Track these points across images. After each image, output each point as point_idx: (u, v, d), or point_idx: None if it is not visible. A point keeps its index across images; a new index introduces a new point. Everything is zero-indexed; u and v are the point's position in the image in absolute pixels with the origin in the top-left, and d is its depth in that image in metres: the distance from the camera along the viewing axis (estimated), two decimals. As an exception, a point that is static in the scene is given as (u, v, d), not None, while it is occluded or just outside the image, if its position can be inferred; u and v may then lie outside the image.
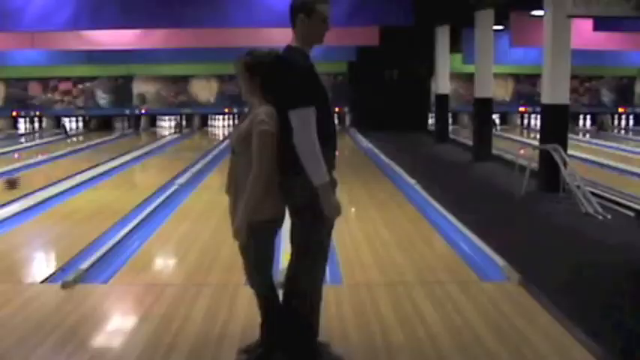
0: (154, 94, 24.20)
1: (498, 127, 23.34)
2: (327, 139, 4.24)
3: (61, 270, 6.65)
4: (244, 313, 5.39)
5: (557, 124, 11.01)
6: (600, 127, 24.16)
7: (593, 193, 9.69)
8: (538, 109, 14.55)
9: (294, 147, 4.09)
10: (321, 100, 4.20)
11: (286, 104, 4.11)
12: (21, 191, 10.97)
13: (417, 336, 4.88)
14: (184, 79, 24.21)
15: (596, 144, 18.88)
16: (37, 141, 20.99)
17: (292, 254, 4.49)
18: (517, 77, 24.64)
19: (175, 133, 22.99)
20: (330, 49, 20.31)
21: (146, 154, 16.95)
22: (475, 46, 15.53)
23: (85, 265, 6.59)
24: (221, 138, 21.38)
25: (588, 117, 25.45)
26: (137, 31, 14.98)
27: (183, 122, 24.42)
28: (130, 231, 8.13)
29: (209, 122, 24.72)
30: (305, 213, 4.27)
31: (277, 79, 4.23)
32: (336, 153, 4.40)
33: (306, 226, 4.33)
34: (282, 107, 4.14)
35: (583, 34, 15.55)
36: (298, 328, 4.42)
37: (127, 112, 24.08)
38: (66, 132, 22.74)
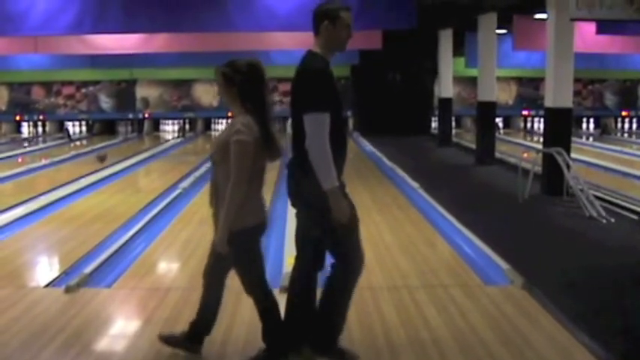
0: (157, 98, 24.22)
1: (501, 131, 23.35)
2: (340, 145, 4.31)
3: (65, 274, 6.66)
4: (247, 317, 5.38)
5: (561, 128, 11.00)
6: (604, 131, 24.13)
7: (596, 197, 9.68)
8: (541, 112, 14.55)
9: (302, 150, 4.17)
10: (336, 107, 4.25)
11: (301, 108, 4.17)
12: (24, 195, 10.98)
13: (421, 339, 4.88)
14: (187, 83, 24.23)
15: (600, 147, 18.86)
16: (41, 145, 21.01)
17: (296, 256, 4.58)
18: (520, 80, 24.62)
19: (179, 137, 23.00)
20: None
21: (149, 158, 16.97)
22: (478, 49, 15.53)
23: (88, 269, 6.60)
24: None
25: (592, 120, 25.43)
26: (140, 36, 14.99)
27: (187, 126, 24.44)
28: (134, 235, 8.14)
29: (212, 126, 24.73)
30: (310, 214, 4.38)
31: (294, 82, 4.34)
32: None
33: (307, 228, 4.43)
34: (298, 111, 4.22)
35: (586, 37, 15.55)
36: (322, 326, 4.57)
37: (131, 116, 24.10)
38: (69, 136, 22.75)
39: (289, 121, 4.70)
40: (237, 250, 4.27)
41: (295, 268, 4.64)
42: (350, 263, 4.49)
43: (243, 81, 4.27)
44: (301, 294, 4.61)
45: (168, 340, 4.65)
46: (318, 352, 4.53)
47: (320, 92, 4.20)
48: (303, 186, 4.33)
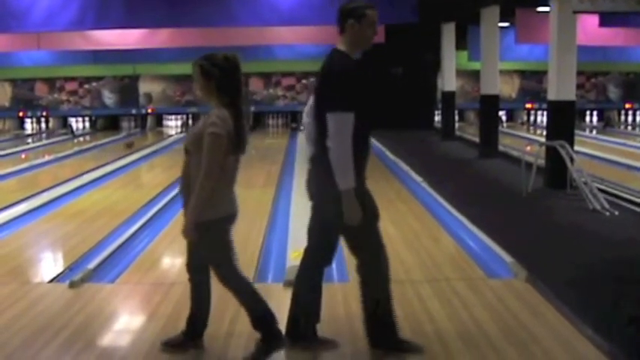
0: (160, 94, 24.23)
1: (505, 124, 23.33)
2: (364, 144, 4.34)
3: (69, 269, 6.67)
4: (251, 311, 5.40)
5: (564, 121, 10.99)
6: (607, 123, 24.10)
7: (600, 190, 9.67)
8: (544, 105, 14.54)
9: (323, 146, 4.21)
10: (362, 105, 4.25)
11: (325, 107, 4.18)
12: (28, 192, 11.00)
13: (424, 332, 4.88)
14: (190, 79, 24.01)
15: (603, 140, 18.84)
16: (44, 141, 21.04)
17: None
18: (523, 74, 24.57)
19: (182, 132, 23.01)
20: (336, 48, 20.32)
21: (153, 153, 16.98)
22: (481, 43, 15.51)
23: (92, 264, 6.61)
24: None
25: (595, 113, 25.38)
26: (143, 31, 15.01)
27: (190, 121, 24.45)
28: (137, 230, 8.16)
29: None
30: (321, 210, 4.41)
31: (318, 80, 4.35)
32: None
33: (321, 223, 4.47)
34: (322, 109, 4.23)
35: (589, 30, 15.54)
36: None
37: (134, 111, 24.11)
38: (72, 132, 22.78)
39: (304, 116, 4.72)
40: (207, 240, 4.33)
41: (303, 262, 4.65)
42: (372, 259, 4.53)
43: (221, 74, 4.31)
44: (308, 288, 4.62)
45: (169, 343, 4.66)
46: (381, 349, 4.55)
47: (345, 91, 4.19)
48: (323, 183, 4.32)
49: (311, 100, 4.64)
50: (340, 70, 4.26)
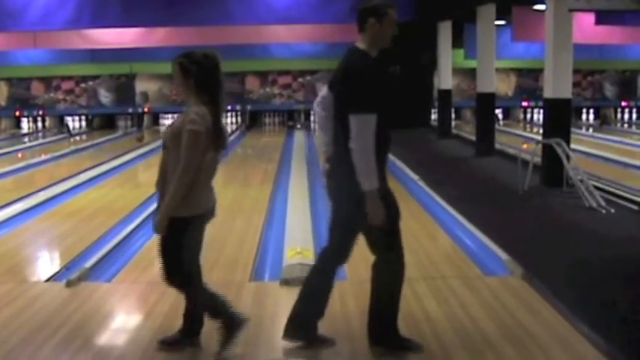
0: (156, 93, 24.22)
1: (501, 122, 23.34)
2: (385, 144, 4.35)
3: (66, 268, 6.68)
4: (248, 310, 5.40)
5: (560, 119, 10.99)
6: (603, 121, 24.13)
7: (596, 187, 9.68)
8: (541, 103, 14.56)
9: (344, 147, 4.22)
10: (383, 105, 4.26)
11: (347, 107, 4.19)
12: (24, 191, 10.99)
13: (421, 331, 4.89)
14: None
15: (600, 138, 18.86)
16: (41, 140, 21.02)
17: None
18: (519, 72, 24.61)
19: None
20: (332, 45, 20.32)
21: (149, 152, 16.96)
22: (477, 41, 15.51)
23: (89, 263, 6.61)
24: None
25: (591, 111, 25.42)
26: (139, 30, 15.01)
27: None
28: (134, 229, 8.15)
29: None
30: (343, 210, 4.42)
31: (338, 79, 4.34)
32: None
33: (340, 223, 4.48)
34: (342, 109, 4.24)
35: (585, 28, 15.57)
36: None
37: (130, 110, 24.11)
38: (69, 131, 22.77)
39: (315, 106, 4.73)
40: (178, 237, 4.32)
41: (321, 260, 4.66)
42: (394, 258, 4.55)
43: (200, 72, 4.34)
44: (321, 285, 4.62)
45: (166, 342, 4.66)
46: (382, 347, 4.56)
47: (367, 92, 4.20)
48: (344, 183, 4.33)
49: (324, 91, 4.67)
50: (362, 70, 4.26)
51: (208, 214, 4.49)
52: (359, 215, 4.28)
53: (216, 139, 4.36)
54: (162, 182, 4.44)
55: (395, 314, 4.58)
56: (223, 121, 4.52)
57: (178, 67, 4.37)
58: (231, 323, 4.53)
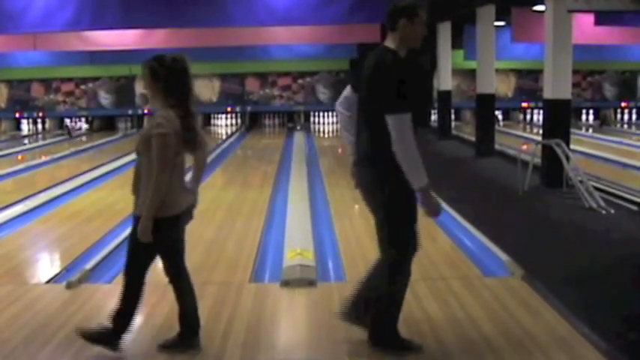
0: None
1: (501, 123, 23.35)
2: None
3: (66, 270, 6.68)
4: (248, 310, 5.42)
5: (560, 119, 11.01)
6: (603, 122, 24.13)
7: (596, 188, 9.69)
8: (540, 104, 14.56)
9: (374, 144, 4.29)
10: (414, 105, 4.29)
11: (383, 108, 4.20)
12: (25, 193, 10.99)
13: (421, 331, 4.89)
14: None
15: (599, 138, 18.86)
16: (41, 142, 21.02)
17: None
18: (519, 73, 24.60)
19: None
20: (332, 47, 20.35)
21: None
22: (477, 42, 15.53)
23: (89, 265, 6.62)
24: (224, 137, 21.40)
25: (591, 112, 25.42)
26: (138, 31, 15.00)
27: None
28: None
29: (212, 121, 24.74)
30: (387, 209, 4.42)
31: (370, 79, 4.33)
32: None
33: (382, 221, 4.49)
34: (375, 109, 4.26)
35: (584, 28, 15.55)
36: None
37: (130, 112, 24.11)
38: (69, 133, 22.76)
39: (337, 106, 4.75)
40: (157, 237, 4.36)
41: (391, 264, 4.60)
42: (397, 261, 4.55)
43: (168, 76, 4.39)
44: (402, 284, 4.62)
45: (166, 345, 4.67)
46: (383, 347, 4.57)
47: (402, 92, 4.21)
48: (372, 182, 4.39)
49: (346, 91, 4.67)
50: (396, 70, 4.27)
51: (183, 215, 4.53)
52: (401, 208, 4.36)
53: (189, 141, 4.42)
54: (137, 187, 4.48)
55: (397, 315, 4.58)
56: (199, 123, 4.58)
57: (148, 70, 4.42)
58: (188, 333, 4.61)
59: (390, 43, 4.40)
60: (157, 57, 4.45)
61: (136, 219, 4.41)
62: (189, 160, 4.63)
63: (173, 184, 4.38)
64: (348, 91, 4.70)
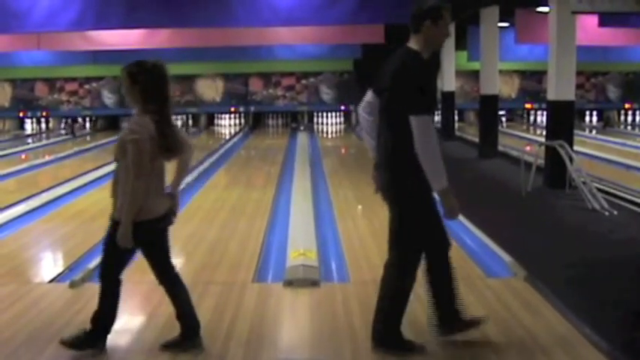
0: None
1: (505, 124, 23.34)
2: None
3: (69, 269, 6.69)
4: (251, 310, 5.42)
5: (563, 121, 11.00)
6: (607, 123, 24.11)
7: (599, 189, 9.68)
8: (544, 105, 14.55)
9: (395, 145, 4.30)
10: (434, 107, 4.34)
11: (406, 109, 4.19)
12: (28, 192, 11.01)
13: (423, 332, 4.89)
14: (190, 79, 24.24)
15: (603, 140, 18.85)
16: (44, 141, 21.04)
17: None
18: (523, 74, 24.60)
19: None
20: (336, 47, 20.34)
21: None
22: (480, 43, 15.52)
23: (92, 264, 6.61)
24: (227, 137, 21.41)
25: (595, 113, 25.40)
26: (142, 31, 15.01)
27: (190, 122, 24.47)
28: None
29: (215, 121, 24.77)
30: (412, 212, 4.44)
31: (393, 80, 4.32)
32: None
33: (397, 220, 4.53)
34: (397, 110, 4.25)
35: (588, 30, 15.54)
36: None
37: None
38: (73, 132, 22.79)
39: (360, 110, 4.75)
40: (135, 241, 4.42)
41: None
42: (406, 263, 4.56)
43: (146, 81, 4.41)
44: (445, 281, 4.66)
45: (169, 345, 4.68)
46: (386, 348, 4.58)
47: (425, 94, 4.23)
48: (397, 185, 4.40)
49: (368, 96, 4.67)
50: (420, 73, 4.28)
51: (162, 219, 4.54)
52: (422, 211, 4.39)
53: (165, 146, 4.43)
54: (115, 191, 4.54)
55: (400, 316, 4.59)
56: (181, 128, 4.61)
57: (127, 75, 4.44)
58: (189, 333, 4.65)
59: (413, 44, 4.40)
60: (137, 62, 4.48)
61: (114, 223, 4.46)
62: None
63: (151, 189, 4.42)
64: (370, 95, 4.69)
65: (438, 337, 4.69)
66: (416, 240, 4.51)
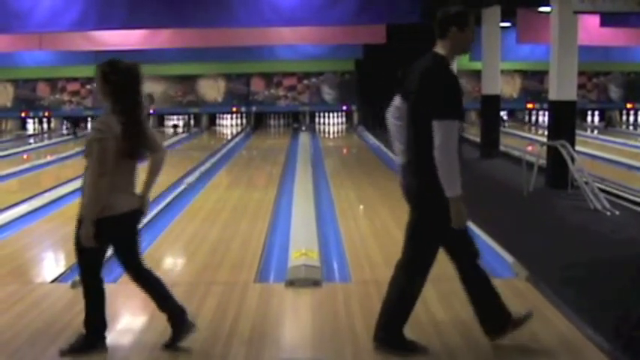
0: (161, 94, 24.25)
1: (506, 124, 23.33)
2: (460, 147, 4.39)
3: (71, 270, 6.67)
4: (253, 310, 5.42)
5: (565, 121, 11.00)
6: (608, 123, 24.10)
7: (601, 189, 9.68)
8: (546, 105, 14.56)
9: (419, 149, 4.29)
10: (461, 112, 4.32)
11: (431, 113, 4.19)
12: (30, 192, 11.02)
13: (426, 332, 4.89)
14: (192, 79, 24.25)
15: (604, 140, 18.84)
16: (46, 141, 21.05)
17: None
18: (524, 74, 24.59)
19: (176, 134, 22.86)
20: (337, 47, 20.33)
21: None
22: (482, 43, 15.52)
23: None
24: (229, 137, 21.41)
25: (596, 113, 25.39)
26: (144, 31, 15.02)
27: (192, 122, 24.48)
28: (139, 230, 8.15)
29: (217, 122, 24.77)
30: (431, 217, 4.43)
31: (419, 84, 4.33)
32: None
33: (414, 223, 4.53)
34: (423, 114, 4.24)
35: (590, 30, 15.53)
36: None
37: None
38: (75, 132, 22.79)
39: (388, 116, 4.74)
40: (97, 238, 4.44)
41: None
42: (417, 266, 4.60)
43: (118, 82, 4.42)
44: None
45: (169, 344, 4.68)
46: (388, 348, 4.57)
47: (451, 99, 4.22)
48: (419, 189, 4.41)
49: (397, 101, 4.66)
50: (446, 78, 4.28)
51: (125, 217, 4.56)
52: (437, 221, 4.36)
53: (127, 148, 4.43)
54: (83, 191, 4.58)
55: (405, 317, 4.59)
56: (150, 129, 4.68)
57: (100, 73, 4.46)
58: (177, 320, 4.67)
59: (439, 49, 4.39)
60: (112, 61, 4.49)
61: (79, 222, 4.48)
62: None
63: (115, 186, 4.44)
64: (398, 100, 4.68)
65: (490, 341, 4.67)
66: (429, 244, 4.52)
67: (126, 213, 4.55)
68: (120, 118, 4.40)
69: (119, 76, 4.43)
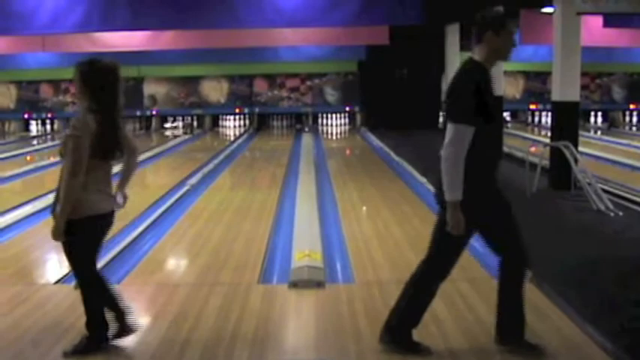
0: (164, 96, 24.27)
1: (509, 125, 23.32)
2: (497, 149, 4.45)
3: (74, 271, 6.69)
4: (257, 311, 5.43)
5: (568, 122, 10.99)
6: (611, 124, 24.08)
7: (604, 190, 9.67)
8: (549, 106, 14.56)
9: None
10: (487, 121, 4.22)
11: (450, 115, 4.19)
12: (33, 193, 11.02)
13: (429, 333, 4.88)
14: (195, 80, 24.26)
15: (608, 141, 18.82)
16: (49, 143, 21.07)
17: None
18: (527, 74, 24.56)
19: (175, 136, 22.85)
20: (340, 48, 20.36)
21: (157, 154, 17.00)
22: (485, 43, 15.48)
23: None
24: (232, 138, 21.43)
25: (599, 114, 25.37)
26: (147, 33, 15.05)
27: (195, 123, 24.49)
28: (142, 231, 8.18)
29: (220, 123, 24.78)
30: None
31: (450, 86, 4.31)
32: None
33: (439, 223, 4.48)
34: (447, 115, 4.25)
35: (593, 30, 15.53)
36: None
37: (138, 113, 24.15)
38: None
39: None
40: (70, 238, 4.51)
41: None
42: (434, 268, 4.62)
43: (96, 81, 4.42)
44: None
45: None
46: (392, 348, 4.57)
47: (469, 105, 4.14)
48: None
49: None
50: (470, 84, 4.19)
51: (98, 219, 4.58)
52: (475, 217, 4.35)
53: (101, 148, 4.44)
54: (58, 190, 4.60)
55: (416, 317, 4.59)
56: (125, 131, 4.70)
57: (78, 72, 4.46)
58: (127, 332, 4.72)
59: (476, 54, 4.32)
60: (90, 60, 4.49)
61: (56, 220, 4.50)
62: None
63: (88, 187, 4.45)
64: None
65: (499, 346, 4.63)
66: (450, 244, 4.48)
67: (98, 215, 4.56)
68: (97, 118, 4.40)
69: (97, 75, 4.43)
